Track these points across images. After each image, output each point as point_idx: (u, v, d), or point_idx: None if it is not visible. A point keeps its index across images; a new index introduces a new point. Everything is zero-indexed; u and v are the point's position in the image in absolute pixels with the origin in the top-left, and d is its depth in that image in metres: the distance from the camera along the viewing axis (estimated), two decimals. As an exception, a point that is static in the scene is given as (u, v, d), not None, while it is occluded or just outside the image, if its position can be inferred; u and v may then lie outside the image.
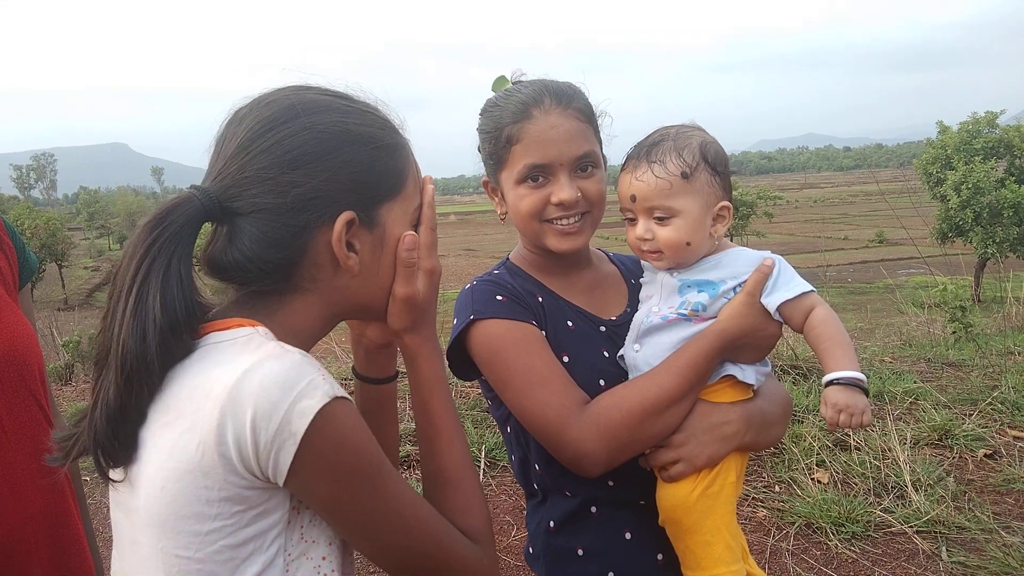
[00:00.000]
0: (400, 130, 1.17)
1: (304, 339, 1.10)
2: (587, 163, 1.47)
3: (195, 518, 0.95)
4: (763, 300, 1.42)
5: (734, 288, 1.45)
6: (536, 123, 1.44)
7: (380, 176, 1.10)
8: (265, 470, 0.94)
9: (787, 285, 1.42)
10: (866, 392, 1.32)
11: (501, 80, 1.56)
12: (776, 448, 4.23)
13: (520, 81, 1.55)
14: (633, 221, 1.48)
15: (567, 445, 1.36)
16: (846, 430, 1.37)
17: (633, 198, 1.45)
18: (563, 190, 1.44)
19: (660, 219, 1.44)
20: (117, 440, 0.98)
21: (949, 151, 26.56)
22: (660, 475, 1.45)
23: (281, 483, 0.95)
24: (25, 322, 1.43)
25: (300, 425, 0.92)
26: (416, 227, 1.16)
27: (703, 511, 1.41)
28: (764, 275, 1.43)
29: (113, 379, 0.97)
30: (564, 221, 1.47)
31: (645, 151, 1.46)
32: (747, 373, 1.46)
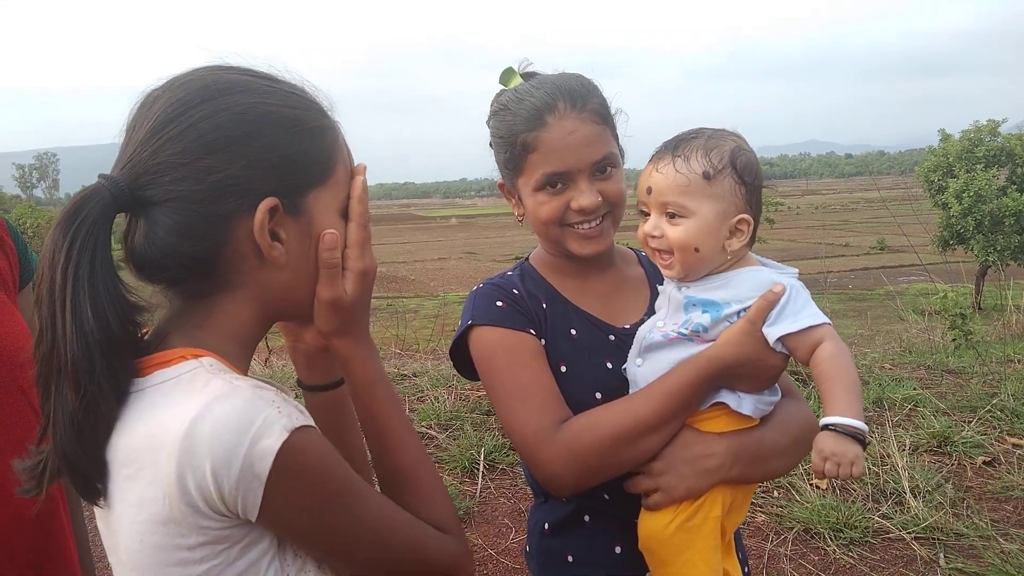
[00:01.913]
0: (328, 112, 1.09)
1: (243, 342, 1.05)
2: (606, 165, 1.44)
3: (182, 564, 0.93)
4: (764, 330, 1.32)
5: (737, 312, 1.36)
6: (552, 131, 1.40)
7: (305, 161, 1.03)
8: (235, 511, 0.92)
9: (794, 316, 1.32)
10: (863, 442, 1.22)
11: (509, 72, 1.53)
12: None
13: (529, 73, 1.52)
14: (647, 216, 1.42)
15: (538, 464, 1.36)
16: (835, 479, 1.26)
17: (649, 190, 1.39)
18: (583, 196, 1.42)
19: (672, 217, 1.37)
20: (89, 459, 0.94)
21: (951, 159, 26.55)
22: (642, 501, 1.40)
23: (254, 520, 0.93)
24: (21, 322, 1.42)
25: (262, 467, 0.89)
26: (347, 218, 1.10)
27: (679, 545, 1.35)
28: (769, 303, 1.32)
29: (69, 397, 0.92)
30: (585, 225, 1.45)
31: (673, 145, 1.39)
32: (744, 403, 1.37)
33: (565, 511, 1.51)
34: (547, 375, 1.42)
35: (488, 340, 1.44)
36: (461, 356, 1.52)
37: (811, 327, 1.31)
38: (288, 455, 0.90)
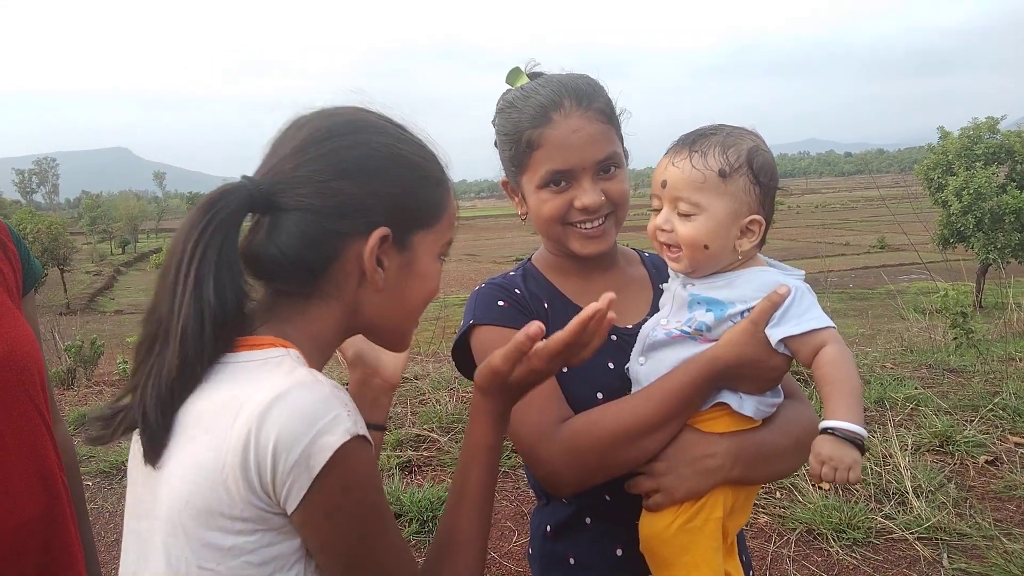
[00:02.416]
0: (445, 168, 1.21)
1: (323, 346, 1.13)
2: (610, 164, 1.44)
3: (219, 531, 0.97)
4: (767, 331, 1.31)
5: (741, 313, 1.35)
6: (556, 128, 1.40)
7: (420, 203, 1.14)
8: (278, 497, 0.96)
9: (798, 318, 1.30)
10: (862, 448, 1.21)
11: (516, 72, 1.53)
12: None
13: (535, 73, 1.53)
14: (658, 209, 1.41)
15: (538, 464, 1.36)
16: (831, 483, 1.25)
17: (664, 183, 1.38)
18: (586, 195, 1.42)
19: (683, 213, 1.36)
20: (163, 420, 1.01)
21: (950, 157, 26.56)
22: (643, 502, 1.39)
23: (289, 512, 0.97)
24: (26, 328, 1.43)
25: (318, 461, 0.95)
26: (443, 258, 1.21)
27: (681, 546, 1.34)
28: (773, 304, 1.31)
29: (171, 357, 1.00)
30: (588, 225, 1.45)
31: (691, 139, 1.38)
32: (745, 404, 1.36)
33: (567, 513, 1.51)
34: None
35: (490, 339, 1.44)
36: (463, 356, 1.52)
37: (814, 330, 1.30)
38: (343, 458, 0.95)
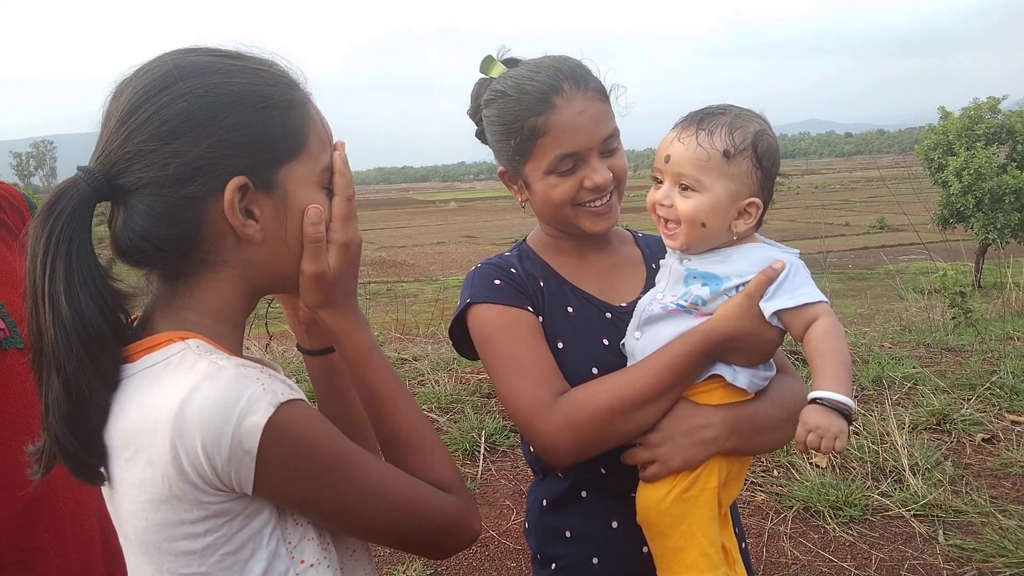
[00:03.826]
0: (300, 85, 1.09)
1: (230, 319, 1.07)
2: (612, 141, 1.46)
3: (187, 539, 0.96)
4: (761, 304, 1.34)
5: (736, 287, 1.38)
6: (561, 112, 1.41)
7: (274, 137, 1.03)
8: (231, 486, 0.94)
9: (791, 292, 1.34)
10: (848, 418, 1.24)
11: (489, 60, 1.53)
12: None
13: (511, 60, 1.53)
14: (660, 184, 1.43)
15: (536, 436, 1.37)
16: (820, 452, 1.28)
17: (668, 158, 1.39)
18: (597, 173, 1.43)
19: (685, 188, 1.38)
20: (82, 446, 0.97)
21: (951, 137, 26.44)
22: (640, 474, 1.42)
23: (250, 494, 0.96)
24: None
25: (251, 443, 0.92)
26: (330, 191, 1.10)
27: (677, 515, 1.36)
28: (768, 278, 1.35)
29: (54, 383, 0.95)
30: (597, 202, 1.47)
31: (699, 117, 1.39)
32: (739, 376, 1.39)
33: (563, 487, 1.53)
34: (545, 350, 1.44)
35: (486, 317, 1.46)
36: (460, 336, 1.54)
37: (808, 304, 1.33)
38: (275, 429, 0.93)
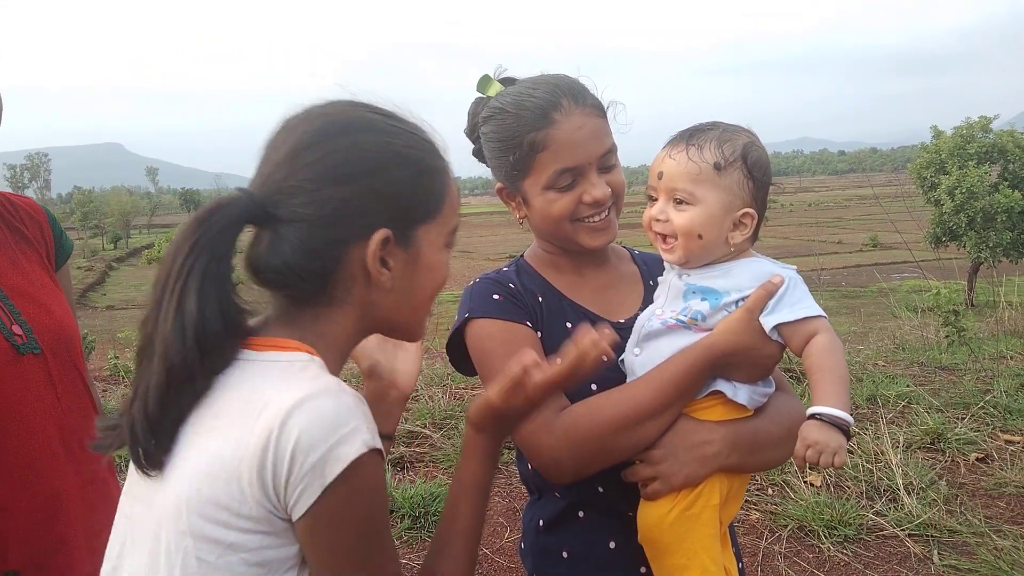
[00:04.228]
0: (442, 153, 1.18)
1: (339, 351, 1.13)
2: (611, 156, 1.47)
3: (222, 526, 0.97)
4: (761, 319, 1.35)
5: (736, 301, 1.38)
6: (561, 128, 1.42)
7: (419, 198, 1.12)
8: (286, 500, 0.96)
9: (791, 306, 1.34)
10: (847, 434, 1.24)
11: (486, 80, 1.53)
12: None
13: (507, 79, 1.54)
14: (655, 201, 1.44)
15: (538, 452, 1.37)
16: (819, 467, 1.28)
17: (660, 175, 1.41)
18: (596, 188, 1.44)
19: (679, 203, 1.39)
20: (155, 440, 1.01)
21: (943, 156, 26.62)
22: (640, 491, 1.41)
23: (295, 519, 0.98)
24: (67, 305, 1.62)
25: (333, 469, 0.95)
26: (450, 246, 1.20)
27: (680, 533, 1.36)
28: (767, 292, 1.35)
29: (155, 374, 1.00)
30: (596, 218, 1.47)
31: (688, 134, 1.42)
32: (739, 392, 1.39)
33: (560, 507, 1.52)
34: None
35: (486, 332, 1.45)
36: (457, 351, 1.53)
37: (807, 318, 1.34)
38: (357, 469, 0.96)
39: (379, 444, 1.00)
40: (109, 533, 1.54)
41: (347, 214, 1.05)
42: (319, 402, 0.96)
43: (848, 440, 1.24)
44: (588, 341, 1.13)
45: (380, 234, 1.06)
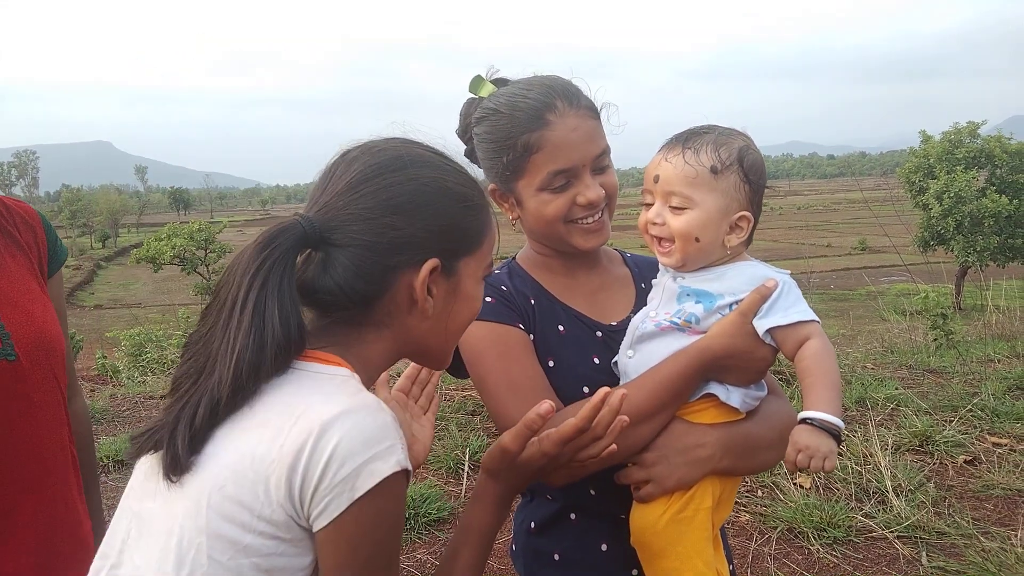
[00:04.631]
0: (485, 193, 1.25)
1: (373, 371, 1.17)
2: (604, 158, 1.47)
3: (240, 527, 0.98)
4: (755, 322, 1.35)
5: (730, 305, 1.39)
6: (555, 129, 1.41)
7: (466, 231, 1.17)
8: (311, 509, 0.98)
9: (785, 310, 1.35)
10: (838, 439, 1.25)
11: (479, 80, 1.53)
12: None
13: (500, 80, 1.53)
14: (650, 205, 1.44)
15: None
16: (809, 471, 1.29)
17: (657, 178, 1.42)
18: (590, 190, 1.44)
19: (676, 206, 1.39)
20: (192, 448, 1.02)
21: (932, 160, 26.83)
22: (633, 494, 1.41)
23: (316, 529, 0.99)
24: (53, 313, 1.60)
25: (364, 484, 0.97)
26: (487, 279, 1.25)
27: (673, 536, 1.36)
28: (761, 296, 1.35)
29: (222, 381, 1.01)
30: (589, 219, 1.47)
31: (685, 137, 1.42)
32: (732, 395, 1.39)
33: (551, 509, 1.51)
34: (536, 368, 1.43)
35: (478, 334, 1.44)
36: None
37: (800, 322, 1.34)
38: (386, 487, 0.99)
39: (410, 466, 1.03)
40: (64, 552, 1.51)
41: (403, 243, 1.11)
42: (360, 416, 0.99)
43: (839, 445, 1.24)
44: (599, 393, 1.19)
45: (431, 263, 1.12)
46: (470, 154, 1.58)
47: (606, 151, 1.47)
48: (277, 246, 1.07)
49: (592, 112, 1.47)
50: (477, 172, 1.57)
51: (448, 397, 5.39)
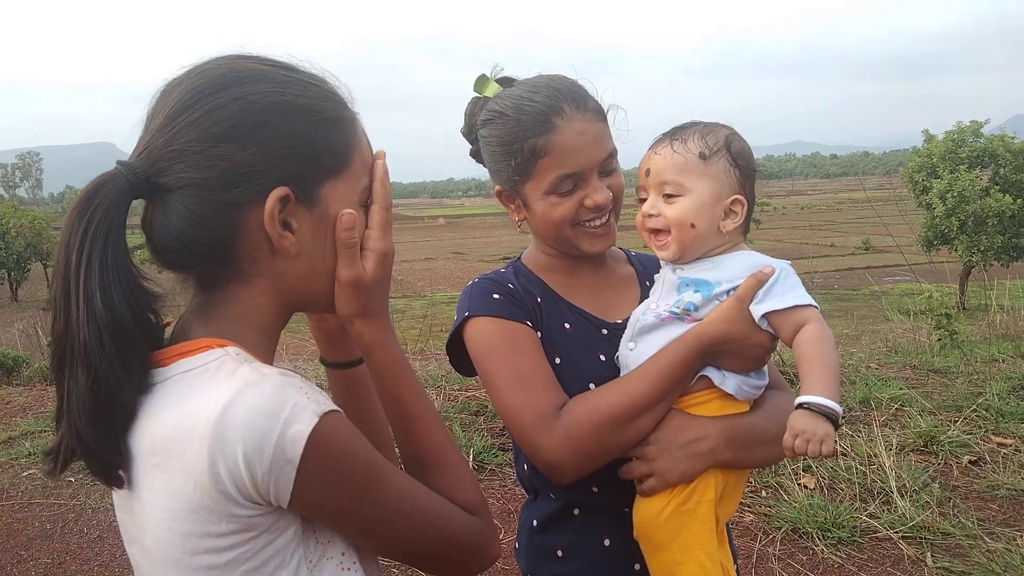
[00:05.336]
0: (348, 104, 1.09)
1: (265, 331, 1.06)
2: (611, 161, 1.47)
3: (210, 552, 0.94)
4: (751, 307, 1.35)
5: (727, 292, 1.39)
6: (562, 133, 1.41)
7: (320, 151, 1.03)
8: (267, 497, 0.93)
9: (781, 295, 1.35)
10: (835, 423, 1.24)
11: (483, 79, 1.53)
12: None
13: (505, 79, 1.53)
14: (644, 201, 1.45)
15: (539, 452, 1.37)
16: (807, 457, 1.27)
17: (648, 172, 1.43)
18: (597, 193, 1.44)
19: (669, 196, 1.40)
20: (106, 445, 0.94)
21: (935, 160, 26.75)
22: (636, 487, 1.41)
23: (285, 507, 0.94)
24: None
25: (295, 452, 0.90)
26: (367, 206, 1.10)
27: (675, 529, 1.36)
28: (758, 281, 1.36)
29: (81, 381, 0.92)
30: (596, 222, 1.47)
31: (671, 132, 1.45)
32: (728, 381, 1.39)
33: (553, 507, 1.52)
34: (545, 363, 1.44)
35: (486, 330, 1.45)
36: (457, 352, 1.53)
37: (797, 306, 1.34)
38: (319, 439, 0.91)
39: (329, 406, 0.94)
40: None
41: (238, 174, 0.97)
42: (247, 398, 0.90)
43: (836, 429, 1.24)
44: (376, 158, 1.11)
45: (277, 192, 0.98)
46: (475, 154, 1.58)
47: (613, 153, 1.47)
48: (97, 206, 0.93)
49: (599, 114, 1.47)
50: (481, 172, 1.58)
51: (452, 398, 5.39)
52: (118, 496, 1.04)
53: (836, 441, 1.25)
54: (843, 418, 1.28)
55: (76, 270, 0.92)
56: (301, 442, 0.90)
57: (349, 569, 1.05)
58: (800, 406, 1.26)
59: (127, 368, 0.94)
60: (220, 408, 0.90)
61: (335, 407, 0.96)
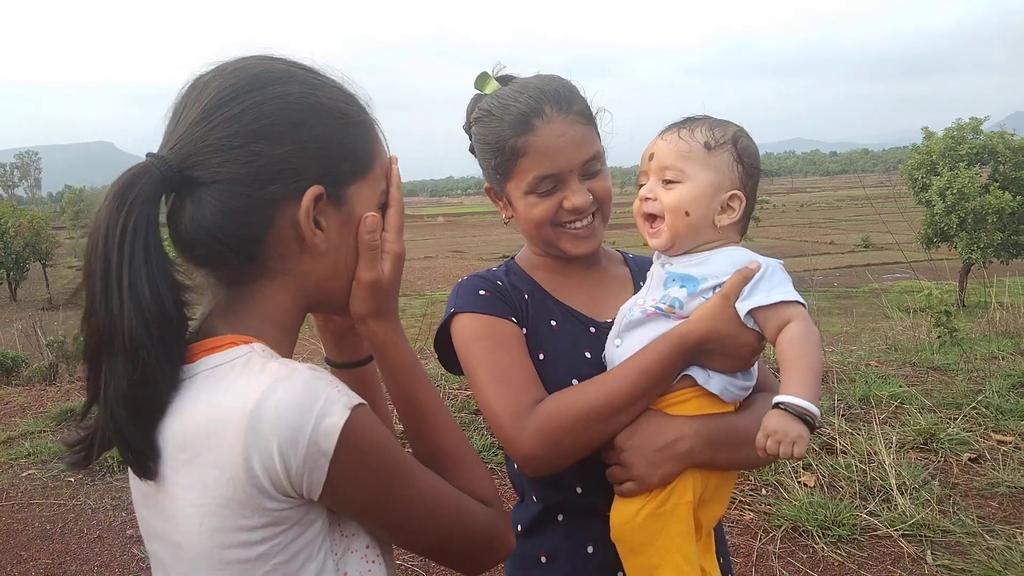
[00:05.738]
0: (368, 109, 1.11)
1: (286, 328, 1.07)
2: (594, 164, 1.46)
3: (242, 546, 0.95)
4: (736, 305, 1.33)
5: (713, 288, 1.36)
6: (540, 135, 1.42)
7: (349, 153, 1.05)
8: (299, 490, 0.94)
9: (767, 291, 1.31)
10: (811, 426, 1.21)
11: (484, 77, 1.53)
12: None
13: (505, 77, 1.54)
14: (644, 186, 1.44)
15: (515, 446, 1.36)
16: (786, 460, 1.25)
17: (651, 156, 1.42)
18: (575, 195, 1.43)
19: (668, 182, 1.39)
20: (143, 436, 0.95)
21: (934, 157, 26.76)
22: (615, 488, 1.38)
23: (316, 499, 0.95)
24: None
25: (328, 444, 0.92)
26: (383, 209, 1.12)
27: (651, 531, 1.33)
28: (743, 277, 1.33)
29: (123, 373, 0.93)
30: (577, 224, 1.47)
31: (682, 121, 1.44)
32: (712, 381, 1.36)
33: (537, 511, 1.52)
34: (526, 360, 1.43)
35: (470, 326, 1.45)
36: (444, 349, 1.53)
37: (782, 302, 1.31)
38: (351, 431, 0.93)
39: (357, 399, 0.95)
40: None
41: (275, 171, 0.98)
42: (279, 393, 0.91)
43: (812, 432, 1.21)
44: (392, 163, 1.13)
45: (313, 190, 1.00)
46: (472, 150, 1.58)
47: (597, 156, 1.46)
48: (135, 199, 0.93)
49: (583, 117, 1.46)
50: (480, 171, 1.58)
51: (451, 397, 5.39)
52: (140, 492, 1.04)
53: (809, 443, 1.22)
54: (819, 421, 1.27)
55: (119, 263, 0.93)
56: (335, 435, 0.92)
57: (373, 562, 1.06)
58: (776, 406, 1.23)
59: (171, 360, 0.95)
60: (253, 403, 0.91)
61: (363, 400, 0.97)
